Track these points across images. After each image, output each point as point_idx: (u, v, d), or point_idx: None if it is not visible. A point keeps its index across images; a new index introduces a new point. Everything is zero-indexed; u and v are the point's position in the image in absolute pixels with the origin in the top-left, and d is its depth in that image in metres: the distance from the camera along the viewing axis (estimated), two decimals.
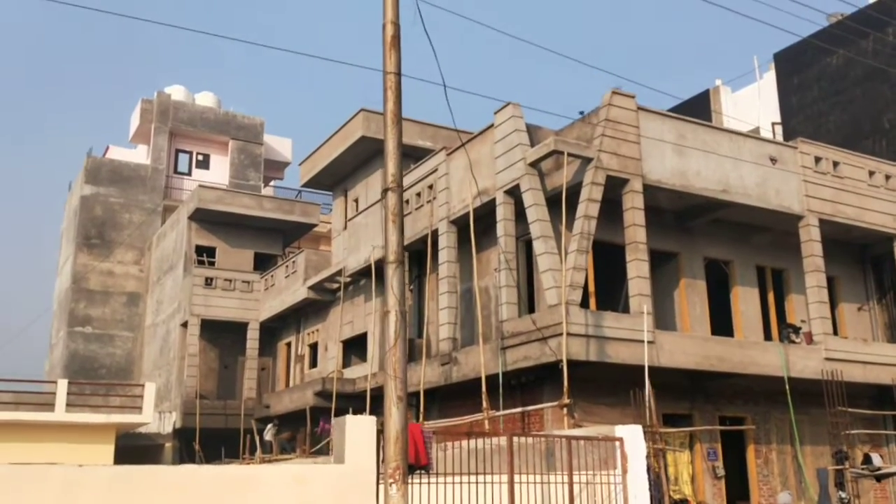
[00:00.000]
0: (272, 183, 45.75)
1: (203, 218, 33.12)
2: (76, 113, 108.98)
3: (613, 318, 16.02)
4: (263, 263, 34.01)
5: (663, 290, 18.78)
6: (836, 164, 20.14)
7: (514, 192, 17.40)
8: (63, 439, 24.35)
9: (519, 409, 16.32)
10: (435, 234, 19.91)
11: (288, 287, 29.61)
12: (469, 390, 17.67)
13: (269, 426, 27.36)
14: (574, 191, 16.34)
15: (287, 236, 35.55)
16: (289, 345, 31.03)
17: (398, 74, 9.88)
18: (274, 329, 32.01)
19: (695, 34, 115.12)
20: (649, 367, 15.42)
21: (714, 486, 17.65)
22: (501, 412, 16.50)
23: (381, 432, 9.63)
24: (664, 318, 18.31)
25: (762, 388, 18.54)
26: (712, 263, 19.55)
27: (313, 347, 28.96)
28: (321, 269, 27.75)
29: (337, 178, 28.21)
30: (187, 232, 33.33)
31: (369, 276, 22.99)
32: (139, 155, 42.45)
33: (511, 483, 10.60)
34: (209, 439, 28.73)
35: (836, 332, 20.22)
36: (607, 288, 18.19)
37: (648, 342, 15.73)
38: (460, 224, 19.34)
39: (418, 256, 21.42)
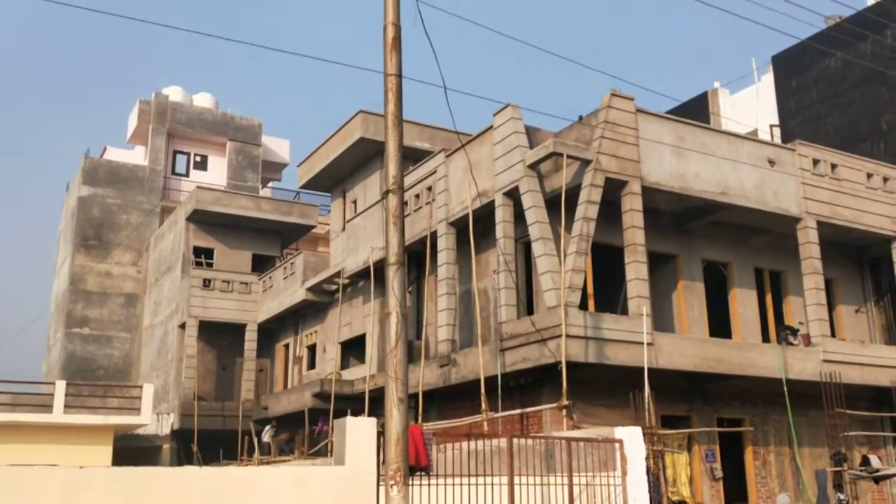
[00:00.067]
0: (270, 184, 45.73)
1: (201, 219, 33.10)
2: (74, 114, 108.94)
3: (612, 319, 16.05)
4: (261, 265, 33.99)
5: (662, 291, 18.81)
6: (834, 166, 20.18)
7: (513, 194, 17.42)
8: (61, 441, 24.34)
9: (518, 411, 16.34)
10: (434, 235, 19.92)
11: (286, 288, 29.61)
12: (468, 392, 17.68)
13: (268, 428, 27.35)
14: (573, 193, 16.37)
15: (285, 238, 35.54)
16: (287, 346, 31.02)
17: (399, 76, 9.88)
18: (272, 330, 32.00)
19: (693, 36, 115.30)
20: (648, 369, 15.44)
21: (712, 487, 17.67)
22: (500, 414, 16.51)
23: (381, 434, 9.63)
24: (662, 320, 18.34)
25: (760, 389, 18.57)
26: (710, 265, 19.58)
27: (311, 349, 28.95)
28: (319, 271, 27.74)
29: (335, 179, 28.22)
30: (185, 233, 33.31)
31: (368, 278, 22.99)
32: (137, 156, 42.42)
33: (511, 484, 10.61)
34: (207, 441, 28.69)
35: (833, 334, 20.26)
36: (606, 290, 18.22)
37: (647, 344, 15.75)
38: (459, 226, 19.35)
39: (417, 258, 21.43)
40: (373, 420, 10.03)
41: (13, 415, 24.38)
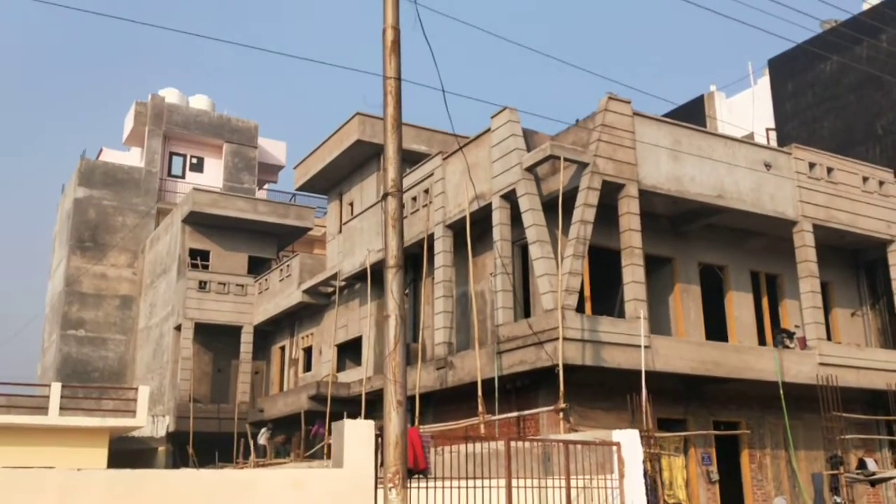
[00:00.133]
0: (266, 186, 45.71)
1: (197, 221, 33.07)
2: (70, 115, 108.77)
3: (609, 322, 16.06)
4: (257, 267, 33.96)
5: (658, 294, 18.83)
6: (830, 169, 20.24)
7: (511, 197, 17.44)
8: (56, 443, 24.29)
9: (515, 414, 16.34)
10: (431, 238, 19.91)
11: (282, 291, 29.58)
12: (464, 394, 17.68)
13: (263, 430, 27.32)
14: (570, 195, 16.39)
15: (281, 240, 35.52)
16: (283, 348, 30.99)
17: (398, 79, 9.88)
18: (268, 333, 31.96)
19: (689, 40, 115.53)
20: (645, 372, 15.45)
21: (708, 490, 17.68)
22: (497, 416, 16.51)
23: (379, 436, 9.63)
24: (659, 323, 18.36)
25: (756, 392, 18.60)
26: (707, 268, 19.62)
27: (307, 351, 28.92)
28: (316, 273, 27.73)
29: (332, 181, 28.24)
30: (181, 235, 33.26)
31: (364, 280, 22.99)
32: (133, 157, 42.37)
33: (509, 487, 10.62)
34: (203, 443, 28.65)
35: (829, 338, 20.30)
36: (603, 293, 18.24)
37: (644, 347, 15.77)
38: (456, 228, 19.35)
39: (414, 260, 21.42)
40: (371, 423, 10.03)
41: (8, 417, 24.31)
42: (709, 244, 19.52)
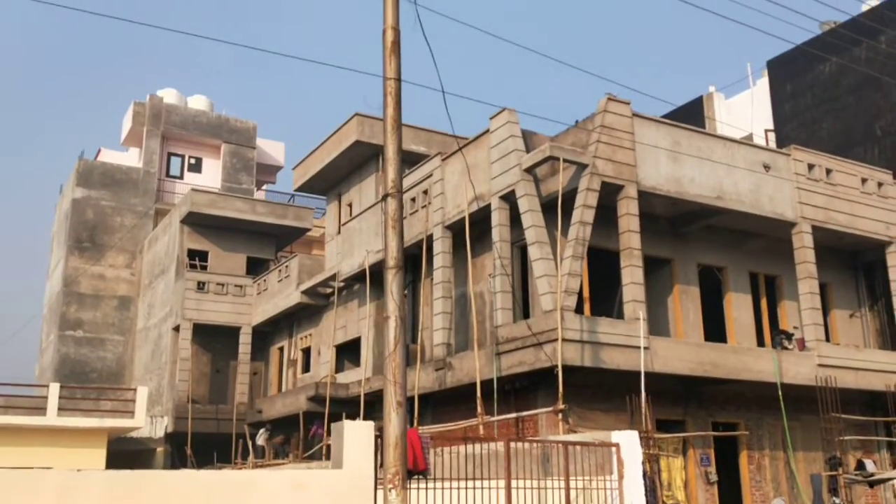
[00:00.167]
0: (265, 187, 45.70)
1: (195, 222, 33.06)
2: (68, 115, 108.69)
3: (608, 323, 16.06)
4: (256, 268, 33.95)
5: (657, 296, 18.84)
6: (828, 171, 20.25)
7: (510, 198, 17.44)
8: (54, 444, 24.24)
9: (514, 415, 16.33)
10: (430, 239, 19.91)
11: (281, 291, 29.56)
12: (463, 395, 17.67)
13: (262, 431, 27.31)
14: (569, 197, 16.38)
15: (280, 240, 35.51)
16: (281, 349, 30.97)
17: (398, 80, 9.87)
18: (266, 333, 31.94)
19: (689, 41, 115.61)
20: (643, 373, 15.45)
21: (707, 491, 17.68)
22: (496, 417, 16.51)
23: (378, 437, 9.63)
24: (658, 324, 18.36)
25: (755, 394, 18.60)
26: (706, 270, 19.62)
27: (306, 352, 28.91)
28: (314, 274, 27.71)
29: (331, 182, 28.24)
30: (179, 235, 33.24)
31: (363, 281, 22.98)
32: (131, 158, 42.34)
33: (508, 488, 10.61)
34: (201, 444, 28.64)
35: (828, 339, 20.32)
36: (602, 294, 18.24)
37: (644, 348, 15.77)
38: (455, 229, 19.35)
39: (413, 261, 21.40)
40: (370, 423, 10.03)
41: (6, 417, 24.26)
42: (708, 245, 19.53)
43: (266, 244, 34.69)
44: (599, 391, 16.31)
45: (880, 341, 21.93)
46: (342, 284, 25.23)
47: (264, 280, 31.43)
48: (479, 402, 16.55)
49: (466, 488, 10.27)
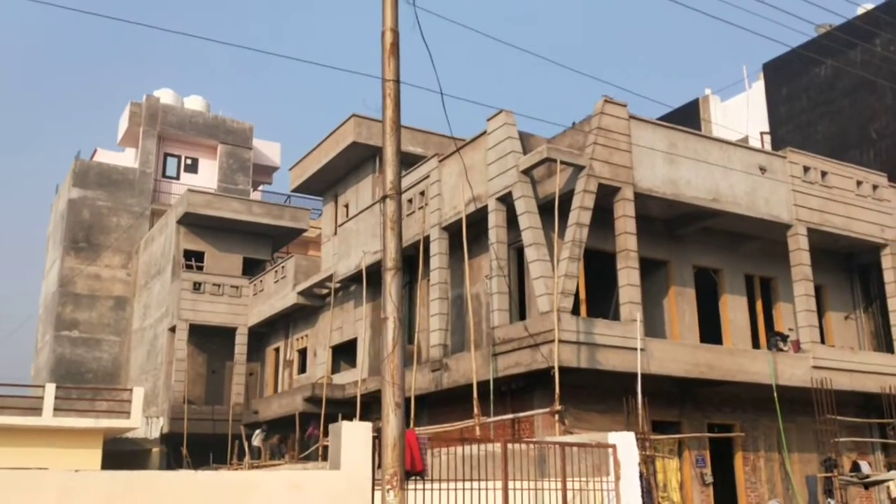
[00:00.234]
0: (261, 187, 45.68)
1: (191, 222, 33.04)
2: (64, 116, 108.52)
3: (604, 325, 16.10)
4: (252, 268, 33.94)
5: (653, 297, 18.89)
6: (824, 173, 20.33)
7: (507, 199, 17.47)
8: (50, 444, 24.20)
9: (510, 416, 16.36)
10: (427, 240, 19.93)
11: (277, 292, 29.57)
12: (459, 396, 17.70)
13: (258, 431, 27.31)
14: (566, 198, 16.42)
15: (276, 241, 35.50)
16: (277, 350, 30.97)
17: (397, 82, 9.90)
18: (262, 334, 31.94)
19: (685, 43, 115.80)
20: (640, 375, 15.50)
21: (702, 492, 17.73)
22: (492, 418, 16.53)
23: (376, 438, 9.65)
24: (654, 326, 18.41)
25: (750, 395, 18.66)
26: (702, 271, 19.68)
27: (302, 353, 28.91)
28: (311, 275, 27.72)
29: (327, 183, 28.26)
30: (175, 236, 33.22)
31: (359, 282, 23.00)
32: (127, 158, 42.29)
33: (505, 489, 10.65)
34: (197, 445, 28.63)
35: (823, 341, 20.38)
36: (598, 295, 18.28)
37: (640, 349, 15.81)
38: (452, 230, 19.38)
39: (409, 262, 21.42)
40: (368, 424, 10.06)
41: (2, 418, 24.21)
42: (704, 247, 19.58)
43: (262, 245, 34.69)
44: (595, 392, 16.35)
45: (875, 343, 22.02)
46: (338, 285, 25.24)
47: (260, 281, 31.43)
48: (475, 403, 16.57)
49: (464, 489, 10.31)
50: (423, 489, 9.98)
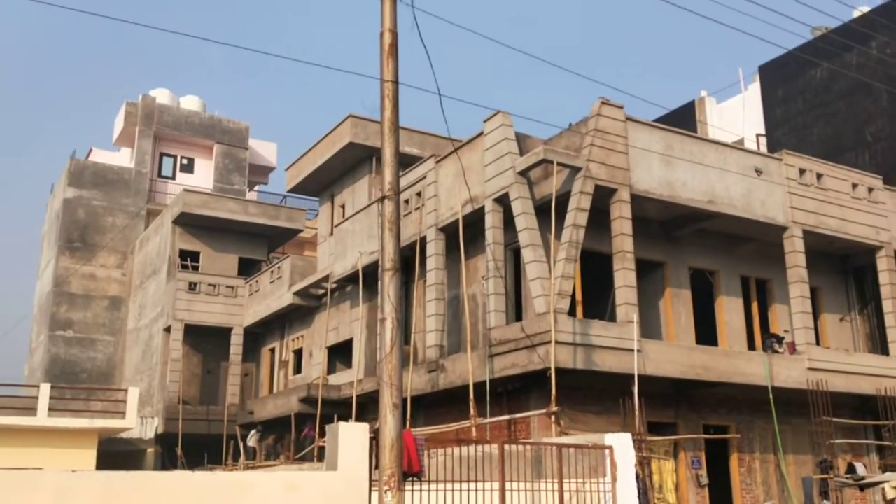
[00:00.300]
0: (257, 188, 45.63)
1: (187, 222, 32.99)
2: (60, 115, 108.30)
3: (601, 326, 16.12)
4: (248, 268, 33.89)
5: (649, 299, 18.91)
6: (820, 176, 20.37)
7: (503, 201, 17.48)
8: (45, 444, 24.15)
9: (506, 417, 16.36)
10: (423, 241, 19.94)
11: (273, 292, 29.53)
12: (455, 397, 17.70)
13: (253, 432, 27.28)
14: (563, 200, 16.43)
15: (272, 241, 35.46)
16: (273, 350, 30.93)
17: (396, 83, 9.90)
18: (258, 335, 31.90)
19: (681, 45, 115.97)
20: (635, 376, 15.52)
21: (698, 494, 17.76)
22: (488, 419, 16.54)
23: (373, 439, 9.65)
24: (650, 327, 18.43)
25: (746, 397, 18.70)
26: (698, 273, 19.71)
27: (298, 353, 28.88)
28: (307, 275, 27.70)
29: (323, 183, 28.26)
30: (171, 236, 33.17)
31: (356, 283, 22.98)
32: (123, 158, 42.23)
33: (502, 490, 10.65)
34: (192, 445, 28.57)
35: (818, 343, 20.42)
36: (594, 296, 18.30)
37: (636, 351, 15.83)
38: (448, 231, 19.38)
39: (406, 263, 21.42)
40: (365, 425, 10.04)
41: None
42: (700, 249, 19.62)
43: (258, 245, 34.64)
44: (591, 393, 16.36)
45: (870, 345, 22.07)
46: (334, 286, 25.23)
47: (256, 281, 31.39)
48: (471, 404, 16.58)
49: (460, 490, 10.31)
50: (421, 490, 9.98)
